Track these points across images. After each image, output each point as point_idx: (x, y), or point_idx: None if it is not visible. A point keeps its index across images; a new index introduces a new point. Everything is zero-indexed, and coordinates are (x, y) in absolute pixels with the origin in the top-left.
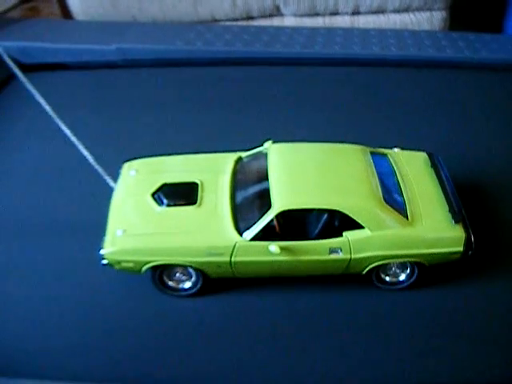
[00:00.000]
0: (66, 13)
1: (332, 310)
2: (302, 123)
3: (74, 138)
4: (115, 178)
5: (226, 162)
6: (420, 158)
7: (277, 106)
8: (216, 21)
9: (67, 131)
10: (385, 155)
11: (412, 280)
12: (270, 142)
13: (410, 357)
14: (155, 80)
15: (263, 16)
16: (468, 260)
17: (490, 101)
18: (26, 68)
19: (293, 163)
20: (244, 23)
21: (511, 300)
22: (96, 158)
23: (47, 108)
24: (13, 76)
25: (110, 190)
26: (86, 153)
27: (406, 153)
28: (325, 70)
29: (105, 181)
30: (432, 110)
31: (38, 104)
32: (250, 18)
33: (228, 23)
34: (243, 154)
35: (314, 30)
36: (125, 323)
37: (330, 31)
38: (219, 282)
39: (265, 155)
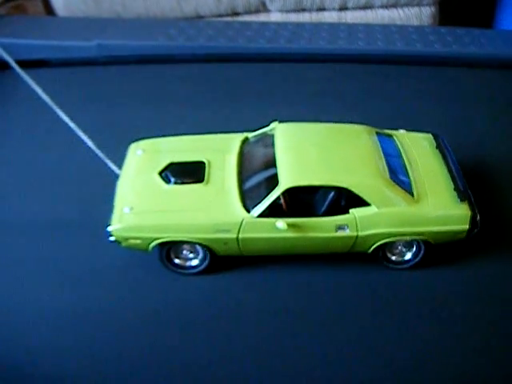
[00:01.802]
0: (50, 10)
1: (338, 289)
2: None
3: (76, 129)
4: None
5: (233, 141)
6: (425, 139)
7: (259, 101)
8: (201, 17)
9: (71, 123)
10: (390, 136)
11: (418, 259)
12: (277, 122)
13: (413, 335)
14: (137, 76)
15: (249, 12)
16: (473, 240)
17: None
18: (8, 65)
19: (299, 142)
20: (229, 19)
21: None
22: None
23: (48, 101)
24: None
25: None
26: (89, 143)
27: (412, 134)
28: (311, 66)
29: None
30: (425, 102)
31: (29, 99)
32: (236, 14)
33: (212, 19)
34: (250, 135)
35: (299, 26)
36: (133, 307)
37: (316, 26)
38: (226, 260)
39: (271, 135)
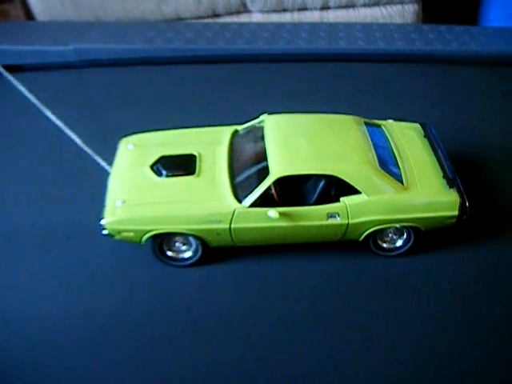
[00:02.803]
0: (29, 14)
1: (330, 277)
2: None
3: (65, 128)
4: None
5: (223, 134)
6: (413, 128)
7: (242, 101)
8: (181, 19)
9: (59, 123)
10: (379, 125)
11: (409, 246)
12: (266, 114)
13: (407, 320)
14: (115, 79)
15: (229, 13)
16: (463, 226)
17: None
18: None
19: (289, 132)
20: (209, 21)
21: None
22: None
23: (38, 104)
24: None
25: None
26: (78, 141)
27: (400, 123)
28: (292, 66)
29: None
30: (410, 97)
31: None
32: (216, 15)
33: (193, 21)
34: (239, 127)
35: (279, 26)
36: (129, 298)
37: (296, 26)
38: (219, 251)
39: (260, 127)
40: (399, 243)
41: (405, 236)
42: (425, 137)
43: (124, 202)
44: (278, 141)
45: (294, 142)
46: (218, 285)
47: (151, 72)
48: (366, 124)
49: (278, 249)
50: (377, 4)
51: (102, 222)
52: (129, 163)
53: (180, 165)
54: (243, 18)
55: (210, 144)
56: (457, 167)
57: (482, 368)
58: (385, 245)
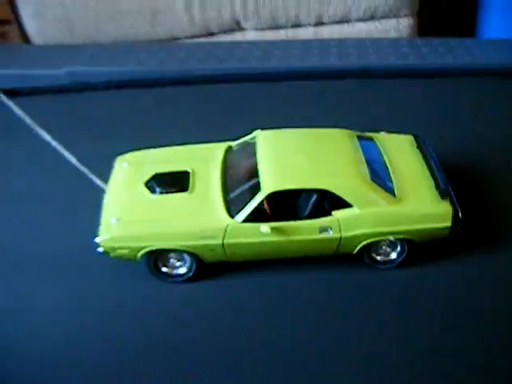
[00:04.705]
0: (25, 36)
1: (325, 290)
2: None
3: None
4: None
5: (216, 150)
6: (406, 140)
7: (235, 120)
8: (175, 38)
9: (55, 144)
10: (371, 138)
11: (402, 258)
12: (259, 130)
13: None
14: (108, 102)
15: (223, 31)
16: (457, 238)
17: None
18: None
19: (281, 148)
20: (204, 40)
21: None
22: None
23: (34, 127)
24: None
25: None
26: (74, 161)
27: (392, 135)
28: (284, 84)
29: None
30: (403, 111)
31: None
32: (210, 34)
33: (187, 40)
34: (232, 143)
35: (271, 44)
36: (122, 312)
37: (289, 44)
38: (213, 267)
39: (253, 143)
40: (393, 256)
41: (398, 248)
42: (417, 148)
43: (118, 219)
44: (269, 156)
45: (285, 156)
46: (213, 300)
47: (144, 93)
48: (359, 137)
49: (273, 263)
50: (371, 19)
51: (97, 239)
52: (123, 181)
53: (174, 182)
54: (237, 36)
55: (204, 160)
56: (450, 179)
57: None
58: (379, 257)
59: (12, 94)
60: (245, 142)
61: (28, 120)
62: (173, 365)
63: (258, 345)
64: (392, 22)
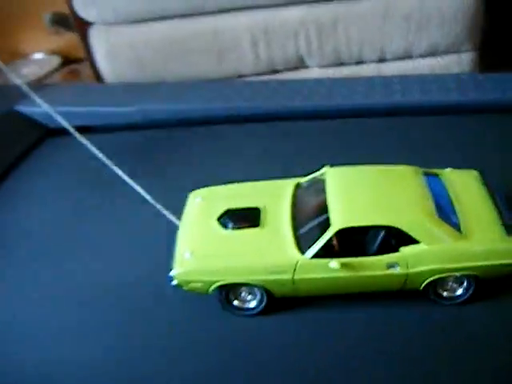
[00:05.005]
0: (97, 74)
1: (390, 326)
2: None
3: (136, 187)
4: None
5: (286, 187)
6: (471, 175)
7: (303, 158)
8: (241, 76)
9: (130, 181)
10: (437, 175)
11: (469, 294)
12: (328, 166)
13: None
14: (177, 139)
15: (288, 68)
16: None
17: None
18: (55, 132)
19: (349, 184)
20: (269, 77)
21: None
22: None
23: (107, 162)
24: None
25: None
26: (148, 197)
27: (457, 172)
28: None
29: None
30: (468, 147)
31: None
32: (275, 71)
33: (252, 78)
34: (302, 180)
35: (335, 81)
36: (192, 344)
37: (353, 81)
38: (282, 301)
39: (322, 179)
40: (459, 292)
41: (465, 284)
42: (483, 184)
43: (192, 253)
44: (338, 193)
45: (354, 193)
46: (282, 334)
47: (212, 130)
48: (424, 173)
49: (343, 298)
50: (433, 54)
51: (172, 273)
52: (197, 216)
53: (245, 217)
54: (301, 73)
55: (274, 196)
56: None
57: None
58: (445, 293)
59: (85, 130)
60: (314, 178)
61: (102, 157)
62: None
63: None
64: (454, 57)
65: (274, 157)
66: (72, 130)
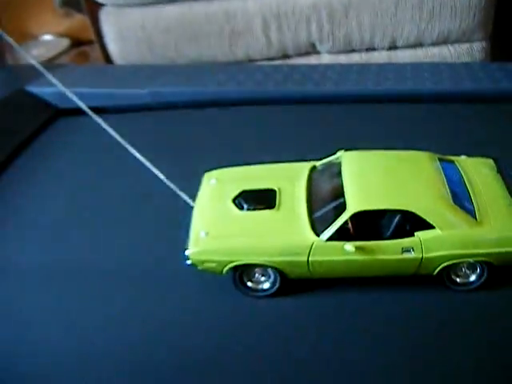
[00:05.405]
0: (107, 56)
1: (400, 309)
2: None
3: (150, 166)
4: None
5: (302, 170)
6: (486, 163)
7: (313, 143)
8: (252, 60)
9: (144, 161)
10: (452, 161)
11: (482, 280)
12: (343, 150)
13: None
14: (188, 120)
15: (299, 54)
16: None
17: None
18: (65, 112)
19: (365, 169)
20: (280, 62)
21: None
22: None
23: (122, 141)
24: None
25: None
26: (162, 177)
27: (473, 159)
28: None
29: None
30: (480, 135)
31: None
32: (286, 56)
33: (263, 62)
34: (317, 163)
35: (347, 67)
36: (204, 323)
37: (364, 68)
38: (296, 283)
39: (338, 163)
40: (473, 278)
41: (478, 271)
42: (498, 172)
43: (207, 233)
44: (354, 176)
45: (369, 177)
46: (295, 317)
47: (223, 113)
48: (440, 160)
49: (355, 281)
50: (445, 43)
51: (187, 252)
52: (212, 197)
53: (260, 199)
54: (312, 59)
55: (289, 179)
56: None
57: None
58: (458, 279)
59: (100, 111)
60: (329, 162)
61: (117, 137)
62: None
63: (339, 365)
64: (465, 46)
65: (285, 141)
66: (87, 109)
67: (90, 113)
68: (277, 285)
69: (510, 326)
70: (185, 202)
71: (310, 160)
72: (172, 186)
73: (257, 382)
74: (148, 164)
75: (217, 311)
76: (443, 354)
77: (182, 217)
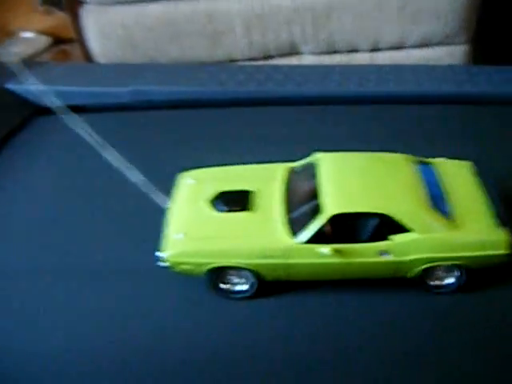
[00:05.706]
0: (88, 55)
1: (377, 313)
2: None
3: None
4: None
5: (278, 171)
6: (464, 166)
7: (292, 143)
8: (234, 60)
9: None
10: (430, 164)
11: (458, 284)
12: (319, 152)
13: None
14: (170, 120)
15: (281, 55)
16: None
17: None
18: (45, 110)
19: (342, 171)
20: (262, 63)
21: None
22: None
23: (95, 142)
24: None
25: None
26: (136, 179)
27: (451, 162)
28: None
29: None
30: (459, 139)
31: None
32: (268, 57)
33: (245, 63)
34: (294, 164)
35: (329, 68)
36: (181, 328)
37: (346, 69)
38: (272, 285)
39: (314, 165)
40: (449, 281)
41: (455, 274)
42: (476, 175)
43: (185, 235)
44: (331, 179)
45: (346, 179)
46: (271, 318)
47: (204, 113)
48: (417, 162)
49: (354, 282)
50: (426, 45)
51: (163, 254)
52: (188, 198)
53: (237, 200)
54: (294, 60)
55: (266, 180)
56: (509, 206)
57: None
58: (435, 282)
59: (80, 110)
60: (306, 163)
61: (94, 135)
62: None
63: (339, 364)
64: (447, 48)
65: (265, 142)
66: (65, 109)
67: (69, 112)
68: (254, 287)
69: (484, 331)
70: (160, 202)
71: (291, 161)
72: (148, 185)
73: (255, 381)
74: (123, 163)
75: (208, 311)
76: (442, 354)
77: (156, 217)
